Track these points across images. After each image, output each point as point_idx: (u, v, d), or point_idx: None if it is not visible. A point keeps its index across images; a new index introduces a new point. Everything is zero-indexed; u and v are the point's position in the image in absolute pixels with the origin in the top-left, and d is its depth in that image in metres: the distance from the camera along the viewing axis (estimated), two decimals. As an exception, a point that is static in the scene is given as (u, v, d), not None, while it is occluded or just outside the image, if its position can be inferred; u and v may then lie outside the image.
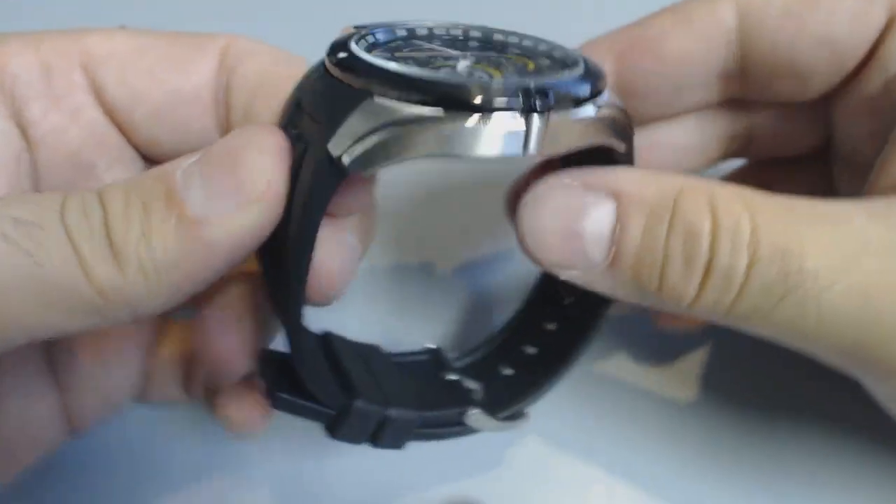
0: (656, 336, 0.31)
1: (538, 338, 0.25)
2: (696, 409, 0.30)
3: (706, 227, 0.20)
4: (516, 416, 0.24)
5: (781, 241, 0.20)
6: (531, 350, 0.25)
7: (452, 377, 0.24)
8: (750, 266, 0.20)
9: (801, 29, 0.24)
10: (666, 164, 0.28)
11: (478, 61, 0.19)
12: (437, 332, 0.30)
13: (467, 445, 0.27)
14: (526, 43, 0.21)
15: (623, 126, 0.20)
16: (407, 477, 0.25)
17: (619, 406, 0.29)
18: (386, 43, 0.19)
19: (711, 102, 0.27)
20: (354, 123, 0.16)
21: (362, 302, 0.30)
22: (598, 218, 0.21)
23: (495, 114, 0.16)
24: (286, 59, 0.22)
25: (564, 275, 0.21)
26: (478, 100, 0.16)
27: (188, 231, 0.18)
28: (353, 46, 0.18)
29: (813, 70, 0.25)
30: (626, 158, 0.21)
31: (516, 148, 0.17)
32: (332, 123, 0.17)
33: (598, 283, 0.21)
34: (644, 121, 0.27)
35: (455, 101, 0.16)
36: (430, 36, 0.20)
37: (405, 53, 0.19)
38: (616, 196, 0.20)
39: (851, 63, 0.25)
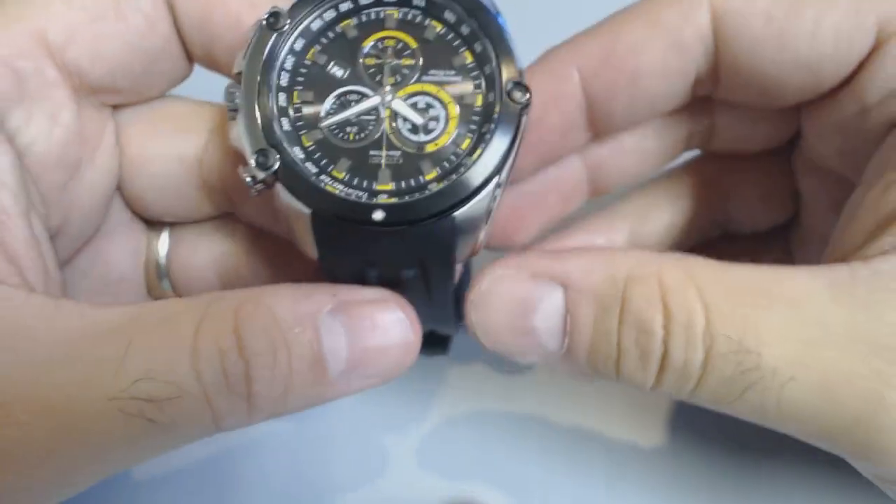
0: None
1: None
2: (672, 450, 0.30)
3: (658, 321, 0.19)
4: None
5: (736, 333, 0.19)
6: None
7: None
8: (706, 361, 0.19)
9: (782, 47, 0.22)
10: (630, 169, 0.28)
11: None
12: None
13: (467, 445, 0.28)
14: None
15: None
16: (407, 477, 0.26)
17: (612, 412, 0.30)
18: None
19: (680, 106, 0.26)
20: None
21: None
22: (549, 310, 0.21)
23: None
24: None
25: (524, 362, 0.22)
26: None
27: (321, 390, 0.20)
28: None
29: (788, 86, 0.23)
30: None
31: None
32: None
33: (560, 368, 0.22)
34: (611, 131, 0.26)
35: None
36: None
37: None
38: (564, 284, 0.21)
39: (828, 85, 0.23)
